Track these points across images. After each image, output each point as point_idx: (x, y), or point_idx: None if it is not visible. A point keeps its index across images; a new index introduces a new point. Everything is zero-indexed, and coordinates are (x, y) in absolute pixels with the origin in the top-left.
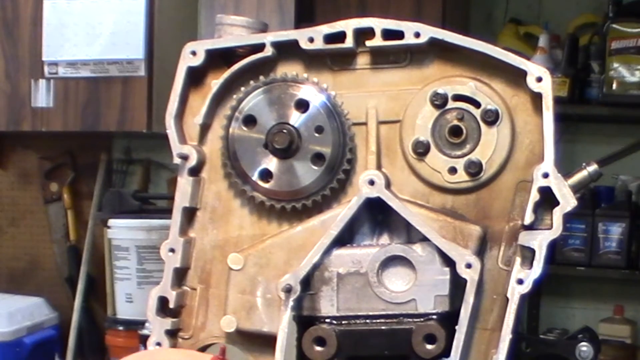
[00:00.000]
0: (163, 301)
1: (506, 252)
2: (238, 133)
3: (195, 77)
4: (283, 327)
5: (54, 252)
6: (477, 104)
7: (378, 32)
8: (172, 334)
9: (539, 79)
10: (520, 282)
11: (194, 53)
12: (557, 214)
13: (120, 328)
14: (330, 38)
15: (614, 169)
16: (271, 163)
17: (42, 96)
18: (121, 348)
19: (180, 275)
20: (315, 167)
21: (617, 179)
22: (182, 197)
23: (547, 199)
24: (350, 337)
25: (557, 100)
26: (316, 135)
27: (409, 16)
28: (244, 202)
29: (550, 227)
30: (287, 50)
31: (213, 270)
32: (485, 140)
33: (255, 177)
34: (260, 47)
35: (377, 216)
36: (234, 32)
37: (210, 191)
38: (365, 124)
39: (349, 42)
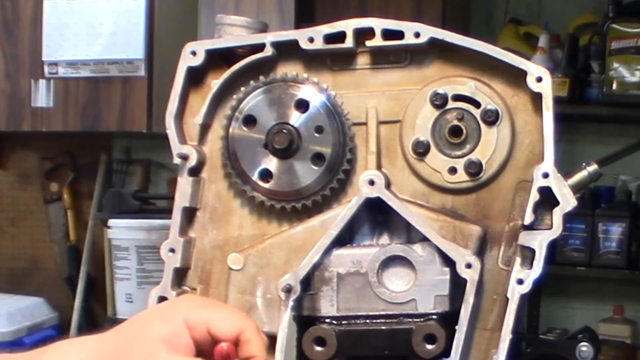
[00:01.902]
0: (163, 301)
1: (506, 252)
2: (238, 133)
3: (195, 77)
4: (283, 327)
5: (54, 252)
6: (477, 104)
7: (378, 32)
8: None
9: (539, 79)
10: (520, 282)
11: (194, 53)
12: (557, 214)
13: None
14: (330, 38)
15: (614, 169)
16: (271, 163)
17: (42, 96)
18: None
19: (180, 275)
20: (315, 167)
21: (617, 179)
22: (182, 197)
23: (547, 199)
24: (350, 337)
25: (557, 100)
26: (316, 135)
27: (409, 16)
28: (244, 202)
29: (550, 227)
30: (287, 50)
31: (213, 270)
32: (485, 140)
33: (255, 177)
34: (260, 47)
35: (377, 216)
36: (234, 32)
37: (210, 191)
38: (365, 124)
39: (349, 42)
